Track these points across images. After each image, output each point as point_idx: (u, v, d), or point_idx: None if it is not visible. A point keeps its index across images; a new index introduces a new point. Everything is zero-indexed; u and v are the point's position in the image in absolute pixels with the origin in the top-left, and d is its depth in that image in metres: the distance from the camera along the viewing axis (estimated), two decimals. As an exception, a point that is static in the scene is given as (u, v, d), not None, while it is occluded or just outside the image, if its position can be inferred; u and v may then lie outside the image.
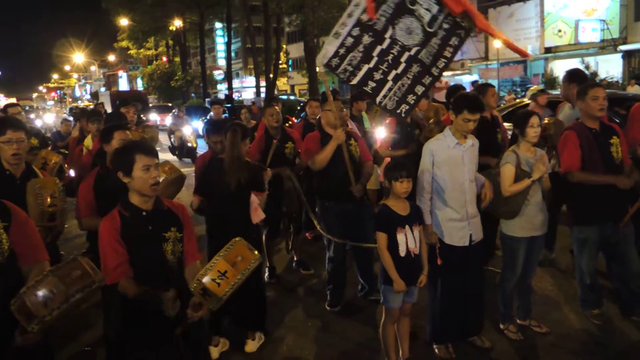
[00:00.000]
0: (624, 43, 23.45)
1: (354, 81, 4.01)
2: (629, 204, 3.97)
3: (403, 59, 3.98)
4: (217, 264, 2.33)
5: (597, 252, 4.11)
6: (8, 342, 2.12)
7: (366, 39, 3.96)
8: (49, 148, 5.85)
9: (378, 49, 3.97)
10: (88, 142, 5.52)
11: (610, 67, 23.71)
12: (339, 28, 3.94)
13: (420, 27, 3.92)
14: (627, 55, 23.63)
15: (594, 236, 4.00)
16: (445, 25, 3.90)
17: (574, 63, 23.55)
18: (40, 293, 1.99)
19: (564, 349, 3.78)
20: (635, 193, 3.98)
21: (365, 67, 3.98)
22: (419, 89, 4.06)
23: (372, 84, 4.02)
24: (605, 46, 24.03)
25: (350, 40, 3.95)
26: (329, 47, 3.96)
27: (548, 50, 26.38)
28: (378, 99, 4.08)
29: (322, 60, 3.99)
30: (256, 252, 2.46)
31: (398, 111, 4.16)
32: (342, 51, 3.95)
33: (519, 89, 25.55)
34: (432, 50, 3.98)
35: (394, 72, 4.01)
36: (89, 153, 4.93)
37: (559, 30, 25.76)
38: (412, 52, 3.97)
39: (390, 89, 4.04)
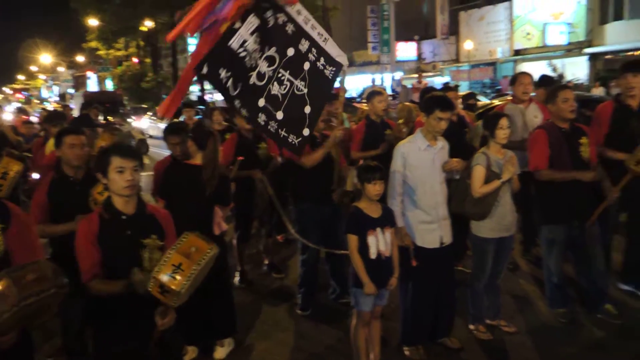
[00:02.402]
0: (590, 46, 24.04)
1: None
2: (596, 204, 4.04)
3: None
4: (171, 258, 2.25)
5: (565, 251, 4.18)
6: None
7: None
8: (11, 148, 5.62)
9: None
10: (51, 145, 5.36)
11: (576, 69, 24.26)
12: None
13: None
14: (593, 58, 24.23)
15: (562, 236, 4.07)
16: None
17: (542, 65, 24.07)
18: None
19: (531, 347, 3.82)
20: (601, 193, 4.06)
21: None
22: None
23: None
24: (572, 49, 24.59)
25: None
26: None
27: (517, 52, 26.86)
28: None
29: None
30: (212, 243, 2.38)
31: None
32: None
33: (488, 91, 25.92)
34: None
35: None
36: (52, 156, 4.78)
37: (528, 33, 26.26)
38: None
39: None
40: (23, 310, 1.91)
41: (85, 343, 3.54)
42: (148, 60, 47.15)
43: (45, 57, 61.62)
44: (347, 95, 18.72)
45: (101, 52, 48.65)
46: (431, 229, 3.66)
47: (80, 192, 3.33)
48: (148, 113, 25.55)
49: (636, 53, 21.95)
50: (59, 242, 3.37)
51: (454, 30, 29.87)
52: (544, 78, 5.86)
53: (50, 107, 38.21)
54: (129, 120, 22.08)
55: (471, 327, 4.02)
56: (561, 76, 23.15)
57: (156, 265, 2.28)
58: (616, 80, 4.53)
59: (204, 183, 3.67)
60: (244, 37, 3.24)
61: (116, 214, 2.55)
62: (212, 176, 3.67)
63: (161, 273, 2.22)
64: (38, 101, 73.42)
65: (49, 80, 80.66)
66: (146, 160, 15.46)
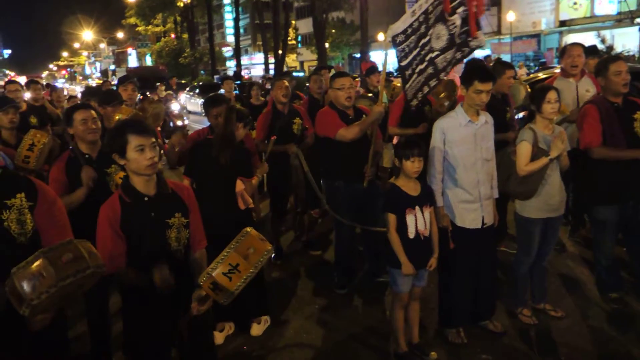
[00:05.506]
0: (642, 16, 22.80)
1: (403, 63, 4.10)
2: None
3: (427, 58, 4.09)
4: (228, 257, 2.21)
5: (617, 233, 3.95)
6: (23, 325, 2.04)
7: (422, 29, 4.03)
8: (49, 126, 5.69)
9: (422, 41, 4.07)
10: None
11: (627, 40, 23.05)
12: (416, 7, 4.01)
13: (447, 35, 3.95)
14: (645, 28, 22.99)
15: (614, 217, 3.84)
16: (459, 40, 3.90)
17: (590, 37, 22.94)
18: (28, 275, 1.85)
19: (580, 333, 3.65)
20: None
21: (413, 54, 4.07)
22: (425, 89, 4.11)
23: (409, 71, 4.10)
24: (622, 19, 23.36)
25: (416, 23, 4.03)
26: (401, 23, 4.00)
27: (563, 23, 25.75)
28: (407, 85, 4.16)
29: (390, 32, 4.03)
30: (268, 244, 2.34)
31: (411, 103, 4.28)
32: (409, 30, 4.03)
33: (532, 64, 24.97)
34: (448, 58, 3.99)
35: (419, 67, 4.11)
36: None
37: (575, 3, 25.10)
38: (434, 54, 4.07)
39: (413, 80, 4.14)
40: (61, 291, 1.89)
41: (108, 320, 3.54)
42: (185, 36, 47.51)
43: (87, 34, 62.99)
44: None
45: (140, 29, 49.34)
46: (472, 208, 3.49)
47: (97, 170, 3.24)
48: (186, 88, 25.69)
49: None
50: (77, 215, 3.26)
51: (495, 0, 28.81)
52: (588, 48, 5.51)
53: (93, 83, 39.09)
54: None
55: (515, 310, 3.87)
56: (610, 48, 22.07)
57: (212, 262, 2.24)
58: None
59: (218, 155, 3.54)
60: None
61: (138, 196, 2.44)
62: (221, 142, 3.52)
63: (217, 271, 2.19)
64: (81, 77, 75.28)
65: (91, 56, 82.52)
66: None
